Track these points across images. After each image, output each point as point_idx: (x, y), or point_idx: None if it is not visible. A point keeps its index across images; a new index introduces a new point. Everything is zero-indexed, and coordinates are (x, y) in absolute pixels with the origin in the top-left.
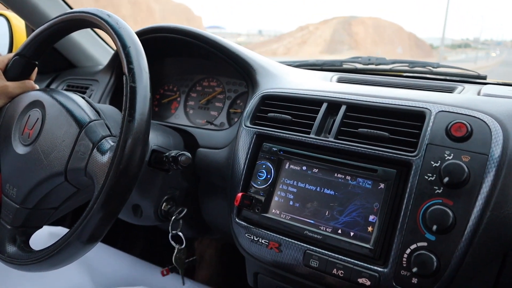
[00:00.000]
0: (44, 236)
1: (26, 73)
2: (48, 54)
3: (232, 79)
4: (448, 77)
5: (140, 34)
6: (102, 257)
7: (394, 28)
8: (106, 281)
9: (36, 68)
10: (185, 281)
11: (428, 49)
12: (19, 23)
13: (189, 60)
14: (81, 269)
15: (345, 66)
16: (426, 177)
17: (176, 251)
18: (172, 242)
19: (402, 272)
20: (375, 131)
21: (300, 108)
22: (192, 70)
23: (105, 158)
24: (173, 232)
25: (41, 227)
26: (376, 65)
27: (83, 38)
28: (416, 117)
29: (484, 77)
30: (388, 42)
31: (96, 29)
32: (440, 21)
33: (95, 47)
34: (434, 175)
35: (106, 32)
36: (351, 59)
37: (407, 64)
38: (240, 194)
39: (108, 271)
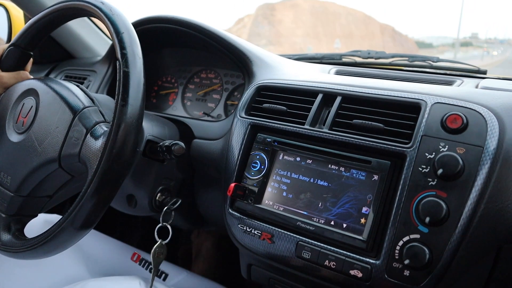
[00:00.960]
0: (40, 224)
1: (21, 64)
2: (47, 45)
3: (230, 71)
4: (447, 71)
5: (137, 24)
6: (98, 245)
7: (355, 16)
8: (101, 270)
9: (32, 59)
10: (182, 272)
11: (412, 47)
12: (17, 13)
13: (187, 51)
14: (77, 257)
15: (344, 59)
16: (420, 169)
17: (156, 244)
18: (156, 236)
19: (394, 264)
20: (370, 122)
21: (296, 99)
22: (190, 62)
23: (98, 143)
24: (163, 223)
25: (36, 215)
26: (375, 58)
27: (81, 28)
28: (412, 108)
29: (484, 72)
30: (342, 35)
31: (95, 20)
32: (438, 20)
33: (93, 38)
34: (428, 167)
35: (100, 20)
36: (351, 52)
37: (406, 58)
38: (233, 185)
39: (104, 260)
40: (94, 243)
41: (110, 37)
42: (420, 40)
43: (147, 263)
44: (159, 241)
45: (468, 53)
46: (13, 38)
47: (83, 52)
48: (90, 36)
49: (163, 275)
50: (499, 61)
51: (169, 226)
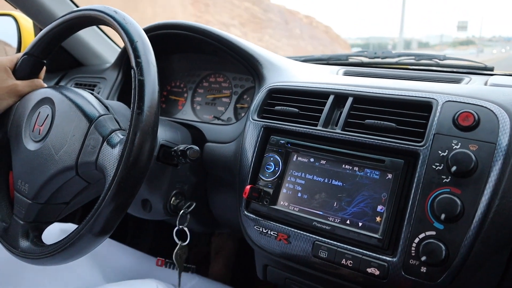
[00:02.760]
0: (56, 233)
1: (35, 72)
2: (56, 53)
3: (238, 74)
4: (454, 69)
5: (147, 30)
6: (112, 252)
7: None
8: (116, 276)
9: (45, 67)
10: (194, 277)
11: (344, 46)
12: (27, 23)
13: (196, 56)
14: (92, 264)
15: (351, 60)
16: (434, 167)
17: (178, 247)
18: (175, 238)
19: (411, 261)
20: (382, 122)
21: (307, 101)
22: (198, 66)
23: (115, 151)
24: (180, 226)
25: (53, 222)
26: (382, 58)
27: (90, 36)
28: (423, 107)
29: (491, 69)
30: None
31: (102, 27)
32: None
33: (102, 45)
34: (442, 165)
35: (113, 29)
36: (357, 53)
37: (413, 57)
38: (248, 187)
39: (118, 266)
40: (109, 249)
41: (124, 46)
42: (417, 40)
43: (171, 266)
44: (179, 243)
45: (467, 51)
46: (27, 47)
47: (92, 59)
48: (98, 43)
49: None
50: (494, 58)
51: (186, 229)
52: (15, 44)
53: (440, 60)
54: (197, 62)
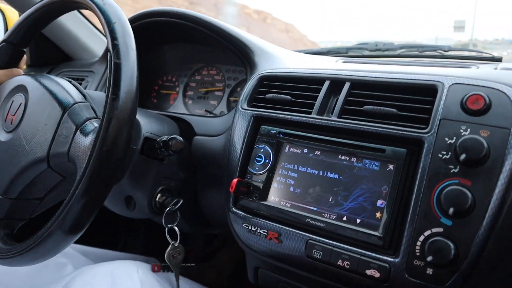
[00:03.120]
0: None
1: (14, 61)
2: (44, 47)
3: (232, 66)
4: (460, 60)
5: (135, 19)
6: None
7: None
8: None
9: (25, 56)
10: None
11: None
12: (13, 15)
13: (187, 47)
14: None
15: (351, 53)
16: (440, 155)
17: (169, 247)
18: (168, 237)
19: (416, 262)
20: (382, 108)
21: (301, 87)
22: (190, 59)
23: (88, 140)
24: (169, 226)
25: (27, 219)
26: (383, 50)
27: (79, 29)
28: (427, 91)
29: (500, 59)
30: None
31: (92, 21)
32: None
33: (91, 39)
34: (449, 153)
35: (91, 11)
36: (357, 45)
37: (416, 49)
38: (235, 180)
39: None
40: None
41: (103, 29)
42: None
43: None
44: (172, 243)
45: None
46: (5, 35)
47: (81, 53)
48: (87, 37)
49: None
50: None
51: (176, 228)
52: (1, 37)
53: (444, 51)
54: (189, 53)
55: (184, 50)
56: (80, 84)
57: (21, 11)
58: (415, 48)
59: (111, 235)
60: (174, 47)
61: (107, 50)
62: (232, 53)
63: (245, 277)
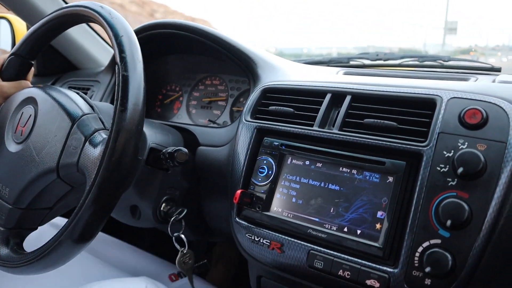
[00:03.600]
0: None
1: (22, 73)
2: (50, 56)
3: (235, 76)
4: (460, 70)
5: (140, 30)
6: (110, 247)
7: None
8: (112, 271)
9: (33, 68)
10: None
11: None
12: (20, 26)
13: (191, 58)
14: (90, 257)
15: (352, 62)
16: (439, 168)
17: (179, 254)
18: (177, 245)
19: (414, 273)
20: (382, 121)
21: (303, 100)
22: (194, 69)
23: (97, 151)
24: (175, 234)
25: (36, 228)
26: (384, 60)
27: (85, 39)
28: (426, 105)
29: (498, 69)
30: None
31: (98, 30)
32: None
33: (97, 48)
34: (447, 166)
35: (99, 24)
36: (359, 55)
37: (416, 59)
38: (239, 191)
39: (115, 261)
40: (107, 246)
41: (110, 41)
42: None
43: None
44: (180, 250)
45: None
46: (14, 47)
47: (86, 63)
48: (93, 46)
49: None
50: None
51: (183, 236)
52: (9, 47)
53: (444, 61)
54: (193, 64)
55: (188, 61)
56: (86, 93)
57: (29, 22)
58: (415, 57)
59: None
60: (178, 58)
61: (113, 61)
62: (235, 64)
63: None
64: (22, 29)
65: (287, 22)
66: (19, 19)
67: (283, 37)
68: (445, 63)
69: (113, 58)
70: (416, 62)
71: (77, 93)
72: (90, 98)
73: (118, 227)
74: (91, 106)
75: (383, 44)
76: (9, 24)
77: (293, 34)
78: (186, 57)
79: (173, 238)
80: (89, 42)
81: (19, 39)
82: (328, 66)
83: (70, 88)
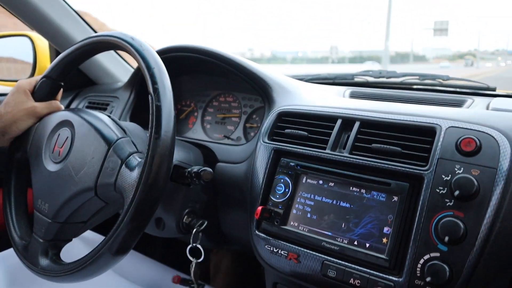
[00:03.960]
0: (75, 240)
1: (53, 94)
2: None
3: (247, 94)
4: (458, 89)
5: (159, 53)
6: (133, 261)
7: None
8: (134, 284)
9: (62, 89)
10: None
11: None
12: (42, 44)
13: (206, 77)
14: (113, 271)
15: (356, 79)
16: (438, 190)
17: (194, 265)
18: (189, 256)
19: (416, 282)
20: (388, 146)
21: (316, 124)
22: (208, 87)
23: (134, 173)
24: (193, 244)
25: (71, 240)
26: (387, 78)
27: (103, 56)
28: (427, 132)
29: (494, 89)
30: None
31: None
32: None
33: (114, 65)
34: (445, 188)
35: (130, 55)
36: (363, 72)
37: (417, 77)
38: (260, 208)
39: (137, 275)
40: (133, 263)
41: (140, 70)
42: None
43: (188, 284)
44: (194, 260)
45: (460, 63)
46: (45, 70)
47: (104, 78)
48: (111, 63)
49: None
50: (486, 73)
51: (200, 247)
52: (30, 64)
53: (443, 80)
54: (207, 83)
55: (203, 80)
56: (106, 108)
57: (55, 44)
58: (416, 76)
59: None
60: (193, 77)
61: (133, 79)
62: (250, 87)
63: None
64: (44, 48)
65: (282, 26)
66: (41, 37)
67: (278, 41)
68: (444, 82)
69: (133, 76)
70: (417, 80)
71: (109, 116)
72: (110, 113)
73: None
74: (123, 129)
75: (375, 47)
76: (31, 42)
77: (288, 37)
78: (200, 77)
79: (188, 248)
80: (106, 58)
81: (40, 57)
82: (334, 83)
83: (90, 103)
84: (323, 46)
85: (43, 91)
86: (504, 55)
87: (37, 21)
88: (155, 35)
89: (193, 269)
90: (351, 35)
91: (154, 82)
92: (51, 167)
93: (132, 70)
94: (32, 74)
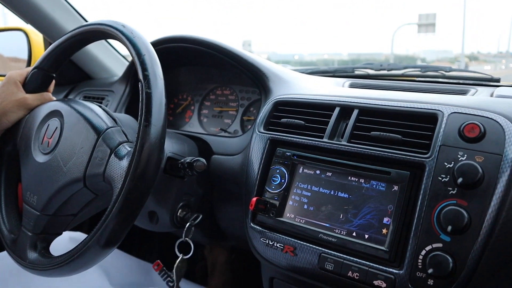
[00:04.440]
0: (65, 241)
1: (44, 85)
2: (65, 67)
3: (245, 87)
4: (461, 81)
5: (155, 44)
6: (119, 262)
7: None
8: (119, 284)
9: (54, 80)
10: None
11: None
12: (37, 37)
13: (202, 69)
14: (98, 271)
15: (357, 72)
16: (440, 178)
17: (179, 259)
18: (177, 251)
19: (418, 274)
20: (388, 134)
21: (313, 113)
22: (205, 79)
23: (123, 163)
24: (185, 239)
25: (61, 233)
26: (388, 70)
27: (98, 50)
28: (429, 119)
29: (498, 80)
30: None
31: (110, 41)
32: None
33: (110, 59)
34: (448, 176)
35: (121, 42)
36: (363, 65)
37: (419, 69)
38: (254, 199)
39: (124, 275)
40: (115, 260)
41: (132, 59)
42: (410, 55)
43: (166, 275)
44: (181, 256)
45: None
46: (36, 61)
47: (100, 72)
48: (106, 57)
49: None
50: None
51: (190, 241)
52: (25, 58)
53: (446, 71)
54: (204, 75)
55: (199, 72)
56: (101, 102)
57: (46, 35)
58: (417, 68)
59: (125, 242)
60: (190, 69)
61: (128, 72)
62: (247, 77)
63: (250, 285)
64: (39, 41)
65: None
66: (36, 31)
67: (274, 43)
68: (446, 74)
69: (127, 70)
70: (419, 72)
71: (100, 106)
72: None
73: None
74: (114, 119)
75: (374, 49)
76: (25, 36)
77: (284, 40)
78: (197, 69)
79: (177, 243)
80: (102, 52)
81: (35, 50)
82: (333, 76)
83: (85, 97)
84: (320, 48)
85: (35, 82)
86: (508, 57)
87: (30, 13)
88: (148, 29)
89: (176, 264)
90: (349, 37)
91: (144, 69)
92: (40, 158)
93: (128, 64)
94: None
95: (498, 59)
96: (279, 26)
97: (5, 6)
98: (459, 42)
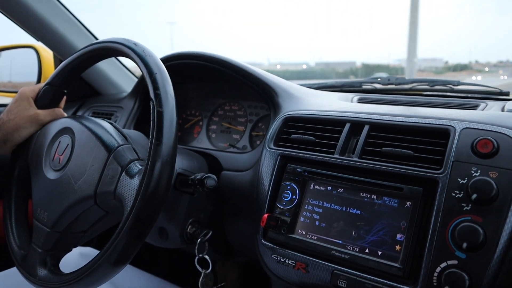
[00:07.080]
0: (75, 257)
1: (56, 101)
2: (74, 83)
3: (253, 102)
4: (469, 95)
5: (164, 60)
6: (129, 277)
7: None
8: None
9: (65, 97)
10: None
11: None
12: (47, 54)
13: (211, 85)
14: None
15: (364, 87)
16: (454, 194)
17: (202, 275)
18: (198, 267)
19: None
20: (400, 149)
21: (323, 129)
22: (213, 95)
23: (134, 181)
24: (199, 255)
25: (71, 250)
26: (396, 85)
27: (107, 66)
28: (441, 134)
29: (507, 93)
30: None
31: (119, 58)
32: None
33: (118, 75)
34: (462, 192)
35: (133, 60)
36: (371, 79)
37: (427, 83)
38: (266, 215)
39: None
40: (125, 275)
41: (143, 76)
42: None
43: None
44: (203, 271)
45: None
46: (48, 78)
47: (109, 88)
48: (115, 73)
49: None
50: None
51: (207, 257)
52: (35, 74)
53: (454, 85)
54: (212, 90)
55: (208, 88)
56: (110, 118)
57: (59, 54)
58: (425, 82)
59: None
60: (198, 85)
61: (137, 88)
62: (256, 93)
63: None
64: (49, 58)
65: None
66: (46, 48)
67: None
68: (455, 87)
69: (136, 86)
70: (427, 86)
71: (111, 123)
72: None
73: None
74: (125, 137)
75: (373, 59)
76: (36, 53)
77: (291, 49)
78: (206, 85)
79: (196, 259)
80: (110, 68)
81: (46, 67)
82: (341, 90)
83: (94, 113)
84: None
85: (46, 98)
86: (508, 67)
87: (41, 31)
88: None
89: (201, 280)
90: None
91: (156, 88)
92: (51, 175)
93: (137, 80)
94: None
95: (498, 68)
96: (285, 36)
97: (17, 25)
98: (455, 51)
